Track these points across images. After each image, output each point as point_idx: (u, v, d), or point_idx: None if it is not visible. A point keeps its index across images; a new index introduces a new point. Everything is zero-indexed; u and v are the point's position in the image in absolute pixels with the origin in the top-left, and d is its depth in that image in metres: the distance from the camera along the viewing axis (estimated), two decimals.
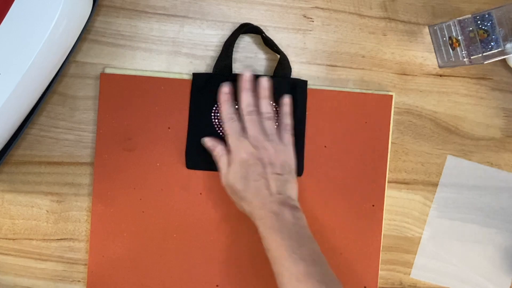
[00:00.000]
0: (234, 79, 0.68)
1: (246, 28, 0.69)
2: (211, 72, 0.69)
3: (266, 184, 0.62)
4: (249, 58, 0.71)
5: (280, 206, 0.61)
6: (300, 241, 0.60)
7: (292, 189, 0.64)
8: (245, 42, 0.71)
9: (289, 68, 0.70)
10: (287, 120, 0.67)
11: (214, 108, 0.69)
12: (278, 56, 0.69)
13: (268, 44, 0.70)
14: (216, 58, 0.69)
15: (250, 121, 0.64)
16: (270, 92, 0.66)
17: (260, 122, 0.64)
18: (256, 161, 0.62)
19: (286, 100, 0.67)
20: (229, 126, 0.65)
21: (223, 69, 0.68)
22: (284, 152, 0.64)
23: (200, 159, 0.69)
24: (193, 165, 0.69)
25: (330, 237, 0.71)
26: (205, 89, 0.68)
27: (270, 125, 0.65)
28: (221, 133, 0.69)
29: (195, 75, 0.69)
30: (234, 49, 0.69)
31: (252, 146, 0.63)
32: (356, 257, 0.71)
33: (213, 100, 0.68)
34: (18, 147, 0.69)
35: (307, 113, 0.70)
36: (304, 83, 0.70)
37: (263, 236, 0.61)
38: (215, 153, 0.66)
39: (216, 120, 0.69)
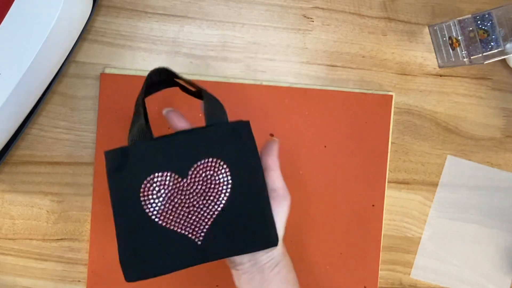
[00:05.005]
0: (157, 146, 0.51)
1: (157, 80, 0.56)
2: (128, 144, 0.52)
3: None
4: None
5: None
6: None
7: None
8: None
9: (222, 111, 0.54)
10: None
11: (143, 188, 0.50)
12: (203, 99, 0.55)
13: (187, 90, 0.58)
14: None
15: None
16: None
17: None
18: None
19: None
20: None
21: (140, 135, 0.52)
22: None
23: (146, 263, 0.51)
24: (138, 274, 0.51)
25: (330, 237, 0.71)
26: (124, 168, 0.51)
27: None
28: (159, 221, 0.51)
29: (107, 154, 0.52)
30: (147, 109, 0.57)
31: None
32: (356, 257, 0.71)
33: (138, 179, 0.50)
34: (18, 147, 0.69)
35: (307, 113, 0.70)
36: (246, 123, 0.53)
37: None
38: None
39: (149, 205, 0.51)
